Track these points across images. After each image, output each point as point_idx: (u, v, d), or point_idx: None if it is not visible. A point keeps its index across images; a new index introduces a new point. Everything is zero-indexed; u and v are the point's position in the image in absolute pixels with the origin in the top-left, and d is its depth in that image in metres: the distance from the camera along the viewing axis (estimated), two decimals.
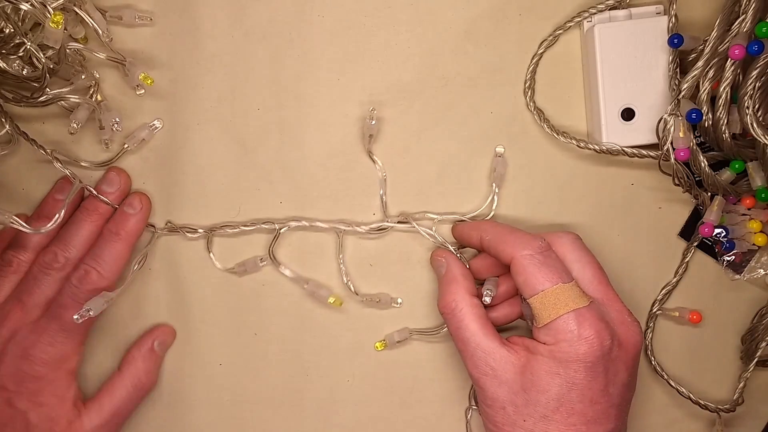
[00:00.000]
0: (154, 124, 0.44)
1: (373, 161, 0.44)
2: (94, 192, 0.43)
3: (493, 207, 0.44)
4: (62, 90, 0.42)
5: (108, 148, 0.44)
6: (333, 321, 0.45)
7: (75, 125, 0.42)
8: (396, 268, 0.45)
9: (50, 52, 0.39)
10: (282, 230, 0.44)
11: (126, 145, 0.44)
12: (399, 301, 0.45)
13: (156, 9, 0.44)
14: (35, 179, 0.44)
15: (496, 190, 0.44)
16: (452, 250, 0.43)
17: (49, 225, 0.40)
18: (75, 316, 0.39)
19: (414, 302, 0.45)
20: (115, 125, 0.43)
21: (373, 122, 0.43)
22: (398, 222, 0.44)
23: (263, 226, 0.44)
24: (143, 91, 0.44)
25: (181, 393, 0.45)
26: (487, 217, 0.44)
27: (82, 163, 0.44)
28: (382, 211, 0.44)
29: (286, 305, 0.45)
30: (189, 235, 0.44)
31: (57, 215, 0.40)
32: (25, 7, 0.37)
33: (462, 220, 0.44)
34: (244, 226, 0.44)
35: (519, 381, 0.37)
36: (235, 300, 0.45)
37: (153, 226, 0.44)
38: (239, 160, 0.45)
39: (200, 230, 0.44)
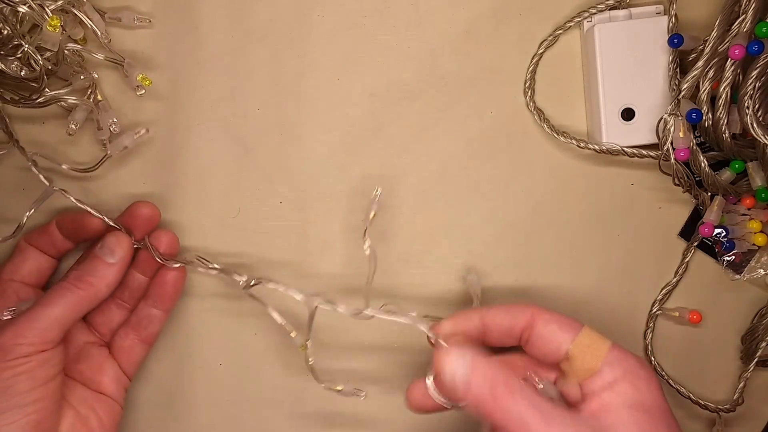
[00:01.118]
0: (138, 131, 0.43)
1: (364, 241, 0.40)
2: (73, 199, 0.40)
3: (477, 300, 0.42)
4: (60, 91, 0.41)
5: (106, 147, 0.44)
6: (333, 321, 0.45)
7: (73, 126, 0.42)
8: (393, 260, 0.45)
9: (48, 54, 0.39)
10: (252, 285, 0.40)
11: (108, 152, 0.43)
12: (362, 394, 0.41)
13: (156, 9, 0.44)
14: (35, 179, 0.44)
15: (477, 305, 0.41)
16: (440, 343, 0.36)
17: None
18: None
19: (416, 304, 0.45)
20: (113, 126, 0.43)
21: (375, 203, 0.40)
22: (382, 310, 0.39)
23: (236, 277, 0.40)
24: (143, 91, 0.44)
25: (181, 393, 0.45)
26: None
27: (63, 166, 0.43)
28: (365, 298, 0.39)
29: (286, 305, 0.45)
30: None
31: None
32: (23, 9, 0.37)
33: (437, 318, 0.39)
34: (215, 269, 0.41)
35: None
36: (235, 300, 0.45)
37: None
38: (239, 160, 0.45)
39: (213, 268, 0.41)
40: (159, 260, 0.41)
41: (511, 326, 0.36)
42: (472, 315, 0.37)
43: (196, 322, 0.45)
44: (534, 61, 0.44)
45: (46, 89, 0.40)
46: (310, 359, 0.40)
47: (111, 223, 0.40)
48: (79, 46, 0.42)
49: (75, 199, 0.40)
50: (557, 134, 0.43)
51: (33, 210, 0.41)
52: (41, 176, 0.41)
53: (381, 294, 0.45)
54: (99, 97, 0.43)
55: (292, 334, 0.40)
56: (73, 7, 0.41)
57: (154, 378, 0.45)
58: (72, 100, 0.42)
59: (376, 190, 0.41)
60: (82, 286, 0.38)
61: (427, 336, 0.38)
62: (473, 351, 0.35)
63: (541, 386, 0.36)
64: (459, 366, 0.34)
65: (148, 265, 0.42)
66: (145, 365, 0.45)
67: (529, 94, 0.44)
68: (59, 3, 0.40)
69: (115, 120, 0.43)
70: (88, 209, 0.40)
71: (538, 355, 0.36)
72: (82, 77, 0.42)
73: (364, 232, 0.40)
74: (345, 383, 0.45)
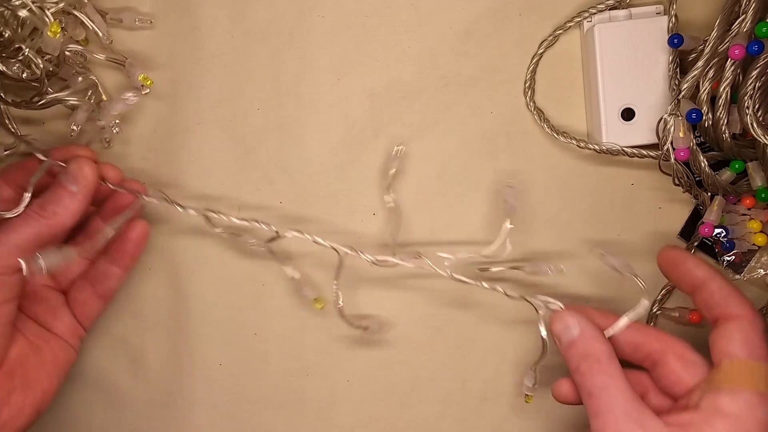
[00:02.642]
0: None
1: (386, 201, 0.43)
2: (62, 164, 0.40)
3: (507, 249, 0.42)
4: (60, 94, 0.42)
5: (109, 146, 0.44)
6: (333, 321, 0.45)
7: (74, 127, 0.43)
8: (396, 271, 0.45)
9: (49, 56, 0.39)
10: (280, 238, 0.41)
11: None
12: (386, 326, 0.43)
13: (156, 9, 0.44)
14: None
15: (510, 226, 0.41)
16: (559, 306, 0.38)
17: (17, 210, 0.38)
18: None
19: (417, 305, 0.45)
20: (116, 127, 0.43)
21: (397, 159, 0.42)
22: (410, 256, 0.40)
23: (261, 225, 0.41)
24: (148, 90, 0.44)
25: (181, 393, 0.45)
26: (504, 254, 0.41)
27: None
28: (392, 243, 0.42)
29: (286, 305, 0.45)
30: (180, 209, 0.41)
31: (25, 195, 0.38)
32: (23, 14, 0.38)
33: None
34: (243, 219, 0.41)
35: None
36: (235, 300, 0.45)
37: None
38: (239, 160, 0.45)
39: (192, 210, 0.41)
40: (125, 191, 0.40)
41: (719, 309, 0.36)
42: (697, 271, 0.37)
43: (197, 322, 0.45)
44: (534, 61, 0.44)
45: (49, 89, 0.40)
46: (340, 301, 0.41)
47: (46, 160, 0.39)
48: (80, 47, 0.43)
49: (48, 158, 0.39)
50: (557, 134, 0.43)
51: (32, 187, 0.39)
52: (39, 155, 0.40)
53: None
54: (104, 97, 0.43)
55: (306, 290, 0.43)
56: (74, 8, 0.41)
57: (154, 378, 0.45)
58: (73, 101, 0.42)
59: (399, 147, 0.42)
60: (45, 215, 0.38)
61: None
62: (584, 321, 0.37)
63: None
64: (565, 333, 0.37)
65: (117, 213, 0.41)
66: (145, 365, 0.45)
67: (529, 94, 0.44)
68: (60, 5, 0.40)
69: (116, 120, 0.43)
70: (41, 157, 0.39)
71: (711, 348, 0.35)
72: (80, 79, 0.42)
73: (387, 188, 0.43)
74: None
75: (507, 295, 0.39)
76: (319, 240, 0.40)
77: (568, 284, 0.44)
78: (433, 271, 0.40)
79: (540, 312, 0.38)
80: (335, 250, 0.40)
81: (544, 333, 0.38)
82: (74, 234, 0.42)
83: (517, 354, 0.45)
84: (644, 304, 0.38)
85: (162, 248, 0.45)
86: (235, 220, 0.41)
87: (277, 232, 0.40)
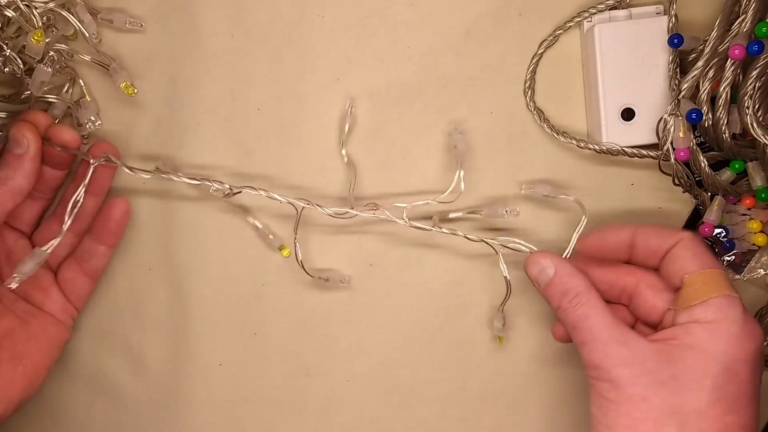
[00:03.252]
0: (90, 119, 0.43)
1: (342, 155, 0.44)
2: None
3: (461, 187, 0.42)
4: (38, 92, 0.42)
5: (87, 142, 0.44)
6: (333, 321, 0.45)
7: (53, 121, 0.43)
8: (395, 269, 0.45)
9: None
10: (235, 194, 0.42)
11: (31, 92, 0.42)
12: (347, 279, 0.44)
13: (156, 9, 0.44)
14: None
15: (461, 171, 0.42)
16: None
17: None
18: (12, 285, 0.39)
19: (417, 305, 0.45)
20: (90, 124, 0.43)
21: (349, 116, 0.43)
22: (367, 209, 0.42)
23: (213, 184, 0.41)
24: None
25: (181, 393, 0.45)
26: (457, 197, 0.43)
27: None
28: (350, 199, 0.43)
29: (286, 305, 0.45)
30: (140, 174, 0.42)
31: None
32: (10, 14, 0.38)
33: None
34: (192, 179, 0.42)
35: (666, 370, 0.34)
36: (235, 300, 0.45)
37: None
38: (239, 160, 0.45)
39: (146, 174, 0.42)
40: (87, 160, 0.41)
41: (658, 246, 0.37)
42: (622, 230, 0.39)
43: (197, 322, 0.45)
44: (534, 61, 0.44)
45: (29, 83, 0.41)
46: (298, 255, 0.42)
47: None
48: (66, 47, 0.42)
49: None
50: (557, 134, 0.43)
51: None
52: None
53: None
54: (87, 98, 0.44)
55: (271, 237, 0.44)
56: (63, 8, 0.41)
57: (154, 378, 0.45)
58: (51, 98, 0.42)
59: (348, 104, 0.43)
60: None
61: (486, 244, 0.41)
62: (558, 259, 0.38)
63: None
64: (540, 273, 0.38)
65: (97, 186, 0.43)
66: (145, 365, 0.45)
67: (529, 94, 0.44)
68: (50, 5, 0.40)
69: (92, 117, 0.43)
70: None
71: (664, 272, 0.37)
72: (57, 67, 0.42)
73: (341, 143, 0.44)
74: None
75: (468, 238, 0.40)
76: (274, 195, 0.41)
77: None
78: (391, 220, 0.41)
79: (500, 253, 0.40)
80: (292, 204, 0.41)
81: (506, 272, 0.40)
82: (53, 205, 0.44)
83: (517, 354, 0.45)
84: (583, 221, 0.40)
85: (162, 248, 0.45)
86: (185, 179, 0.42)
87: (230, 187, 0.42)
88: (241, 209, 0.44)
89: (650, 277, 0.38)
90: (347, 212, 0.42)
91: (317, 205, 0.41)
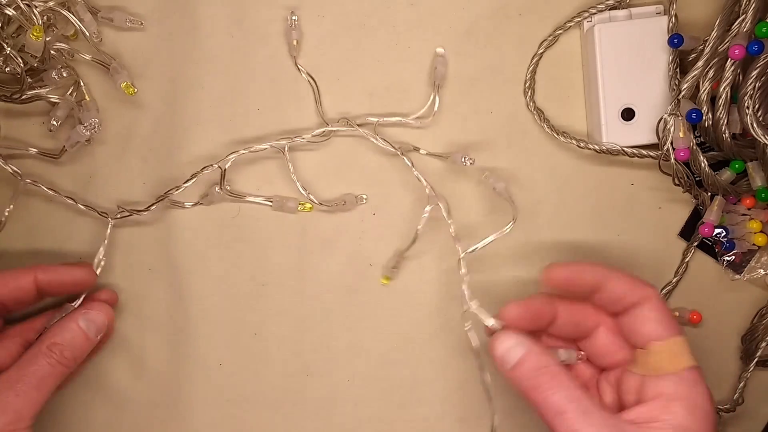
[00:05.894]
0: (90, 122, 0.42)
1: (299, 69, 0.44)
2: (44, 188, 0.41)
3: (435, 108, 0.43)
4: (40, 91, 0.42)
5: (89, 143, 0.44)
6: (333, 321, 0.45)
7: (54, 122, 0.43)
8: (395, 269, 0.45)
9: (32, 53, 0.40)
10: (226, 166, 0.42)
11: (65, 146, 0.43)
12: (364, 197, 0.44)
13: (156, 8, 0.44)
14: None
15: (437, 92, 0.43)
16: (492, 320, 0.37)
17: None
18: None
19: (417, 304, 0.45)
20: (94, 126, 0.43)
21: (294, 27, 0.43)
22: (340, 124, 0.43)
23: (205, 171, 0.42)
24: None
25: (181, 393, 0.45)
26: (428, 119, 0.43)
27: (31, 149, 0.43)
28: (319, 116, 0.44)
29: (286, 305, 0.45)
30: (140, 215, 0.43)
31: None
32: (10, 12, 0.38)
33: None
34: (188, 180, 0.43)
35: None
36: (235, 300, 0.45)
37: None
38: (239, 160, 0.44)
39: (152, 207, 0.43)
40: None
41: (624, 297, 0.37)
42: (597, 270, 0.37)
43: (197, 322, 0.45)
44: (534, 61, 0.44)
45: (32, 84, 0.41)
46: (301, 189, 0.43)
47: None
48: (67, 46, 0.42)
49: (47, 187, 0.42)
50: (557, 134, 0.43)
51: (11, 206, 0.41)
52: (8, 168, 0.41)
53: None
54: (87, 98, 0.43)
55: (289, 202, 0.44)
56: (63, 6, 0.41)
57: (154, 378, 0.45)
58: (54, 98, 0.42)
59: (292, 15, 0.43)
60: (65, 362, 0.39)
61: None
62: (526, 339, 0.36)
63: (563, 357, 0.38)
64: (510, 354, 0.36)
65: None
66: (145, 365, 0.45)
67: (529, 94, 0.44)
68: (50, 3, 0.40)
69: (95, 120, 0.43)
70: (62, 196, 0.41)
71: (626, 326, 0.37)
72: (65, 74, 0.42)
73: (295, 61, 0.44)
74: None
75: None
76: (258, 146, 0.42)
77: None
78: (363, 135, 0.42)
79: (469, 330, 0.38)
80: (276, 148, 0.43)
81: (475, 342, 0.38)
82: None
83: None
84: (505, 230, 0.40)
85: (162, 248, 0.45)
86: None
87: (219, 165, 0.43)
88: (238, 195, 0.44)
89: (610, 322, 0.38)
90: (324, 130, 0.43)
91: (297, 137, 0.43)
